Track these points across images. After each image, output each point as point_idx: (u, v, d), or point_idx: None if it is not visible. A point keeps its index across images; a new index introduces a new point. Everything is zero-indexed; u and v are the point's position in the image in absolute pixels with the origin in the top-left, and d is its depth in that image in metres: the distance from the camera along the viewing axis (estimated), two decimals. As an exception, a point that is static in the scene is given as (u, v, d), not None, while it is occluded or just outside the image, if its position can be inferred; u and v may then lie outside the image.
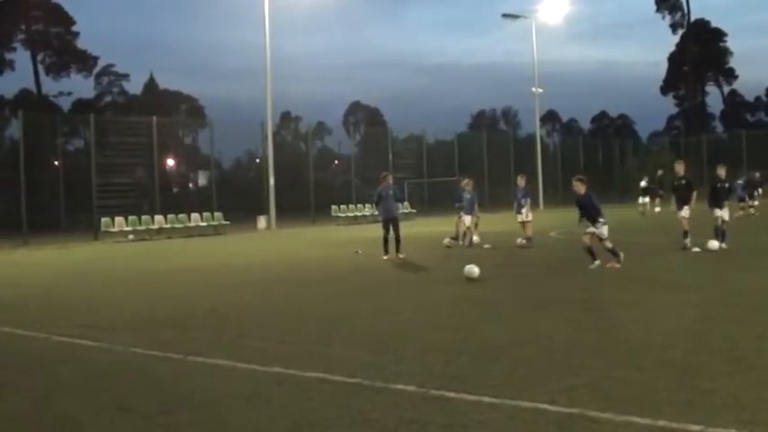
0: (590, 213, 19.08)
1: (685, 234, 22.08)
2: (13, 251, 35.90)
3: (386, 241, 23.64)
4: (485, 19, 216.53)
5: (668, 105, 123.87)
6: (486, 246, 26.46)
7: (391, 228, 23.55)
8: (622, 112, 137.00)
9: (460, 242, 27.21)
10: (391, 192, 24.22)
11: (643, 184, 48.75)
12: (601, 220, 18.87)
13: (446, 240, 27.70)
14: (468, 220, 27.30)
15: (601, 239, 18.83)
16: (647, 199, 47.97)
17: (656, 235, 28.16)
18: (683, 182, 22.45)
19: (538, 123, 76.21)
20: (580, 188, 19.57)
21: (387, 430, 6.79)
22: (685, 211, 22.05)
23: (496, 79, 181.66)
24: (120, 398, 8.35)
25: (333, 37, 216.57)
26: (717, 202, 22.27)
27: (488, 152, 70.29)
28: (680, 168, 22.92)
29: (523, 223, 26.96)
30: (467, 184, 28.29)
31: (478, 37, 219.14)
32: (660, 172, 51.69)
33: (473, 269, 17.29)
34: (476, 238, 27.33)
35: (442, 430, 6.69)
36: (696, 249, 21.59)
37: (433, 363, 9.21)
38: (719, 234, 21.97)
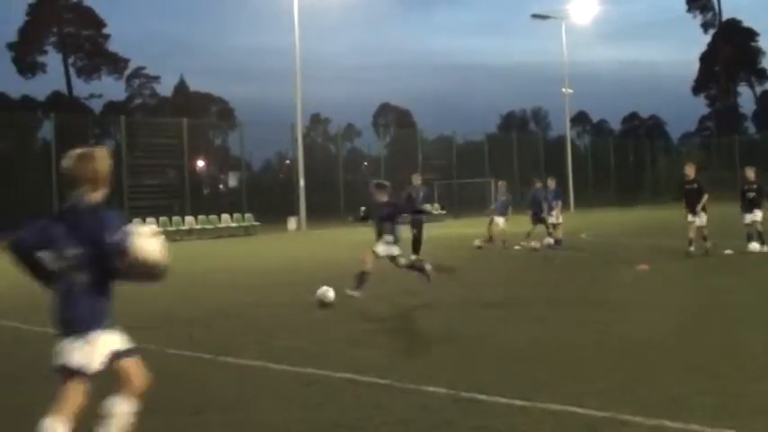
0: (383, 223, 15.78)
1: (690, 242, 21.24)
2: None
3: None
4: (514, 19, 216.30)
5: (700, 106, 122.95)
6: (517, 247, 26.37)
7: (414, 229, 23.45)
8: (653, 113, 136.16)
9: (496, 243, 26.98)
10: (421, 193, 24.13)
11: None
12: (389, 237, 15.88)
13: (477, 242, 27.54)
14: (501, 221, 27.24)
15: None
16: None
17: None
18: (695, 186, 21.64)
19: (568, 124, 75.88)
20: (380, 196, 16.29)
21: (419, 431, 6.79)
22: (700, 219, 21.19)
23: (526, 80, 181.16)
24: (152, 398, 8.37)
25: (362, 38, 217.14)
26: (745, 205, 22.01)
27: (518, 153, 70.10)
28: (690, 171, 21.89)
29: (553, 225, 26.86)
30: (501, 185, 28.28)
31: (508, 37, 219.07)
32: None
33: (327, 293, 15.02)
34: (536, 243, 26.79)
35: (473, 432, 6.70)
36: (729, 252, 21.43)
37: (463, 364, 9.21)
38: (757, 237, 21.73)
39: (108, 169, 5.95)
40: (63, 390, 5.89)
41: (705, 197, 21.32)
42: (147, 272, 6.09)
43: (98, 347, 6.00)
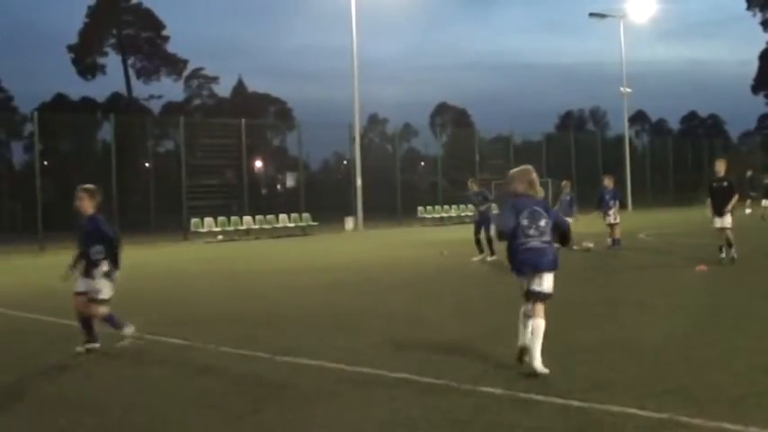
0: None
1: (720, 248, 19.49)
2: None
3: (477, 242, 23.64)
4: (572, 18, 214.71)
5: (759, 105, 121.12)
6: (575, 247, 26.17)
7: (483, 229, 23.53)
8: (712, 112, 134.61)
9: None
10: (479, 197, 24.21)
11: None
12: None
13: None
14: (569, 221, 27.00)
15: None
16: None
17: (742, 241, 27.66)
18: (724, 184, 19.46)
19: (626, 124, 75.23)
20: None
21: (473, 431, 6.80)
22: (725, 221, 19.18)
23: (584, 79, 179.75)
24: (211, 397, 8.46)
25: (419, 38, 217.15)
26: None
27: (576, 153, 69.70)
28: (721, 167, 19.83)
29: (611, 225, 26.58)
30: (565, 185, 28.06)
31: (566, 36, 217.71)
32: (750, 173, 50.78)
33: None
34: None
35: (530, 433, 6.68)
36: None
37: (517, 365, 9.17)
38: None
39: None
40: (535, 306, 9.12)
41: (735, 198, 19.37)
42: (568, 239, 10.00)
43: (548, 281, 9.12)
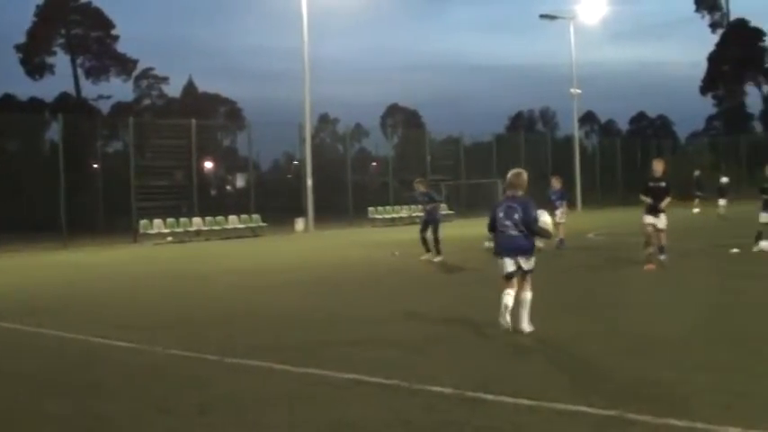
0: None
1: (645, 244, 19.27)
2: (52, 253, 36.21)
3: (423, 240, 23.76)
4: (523, 19, 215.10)
5: (707, 106, 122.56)
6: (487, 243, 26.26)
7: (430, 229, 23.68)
8: (661, 113, 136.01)
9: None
10: (426, 197, 24.31)
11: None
12: None
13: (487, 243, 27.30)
14: None
15: None
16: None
17: (693, 238, 27.95)
18: (661, 184, 19.27)
19: (576, 124, 75.74)
20: None
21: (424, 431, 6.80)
22: (659, 221, 18.92)
23: (534, 80, 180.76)
24: (159, 399, 8.40)
25: (371, 39, 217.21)
26: (765, 204, 21.64)
27: (526, 153, 70.03)
28: (658, 167, 19.56)
29: (557, 225, 26.71)
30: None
31: (516, 37, 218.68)
32: (697, 173, 51.51)
33: None
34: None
35: (479, 432, 6.69)
36: (735, 250, 21.40)
37: (468, 364, 9.21)
38: (759, 236, 21.62)
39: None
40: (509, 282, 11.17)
41: (668, 198, 19.15)
42: (544, 233, 11.67)
43: (521, 262, 11.23)
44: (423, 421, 7.05)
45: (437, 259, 23.02)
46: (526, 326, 11.04)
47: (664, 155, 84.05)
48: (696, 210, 46.43)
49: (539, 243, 24.90)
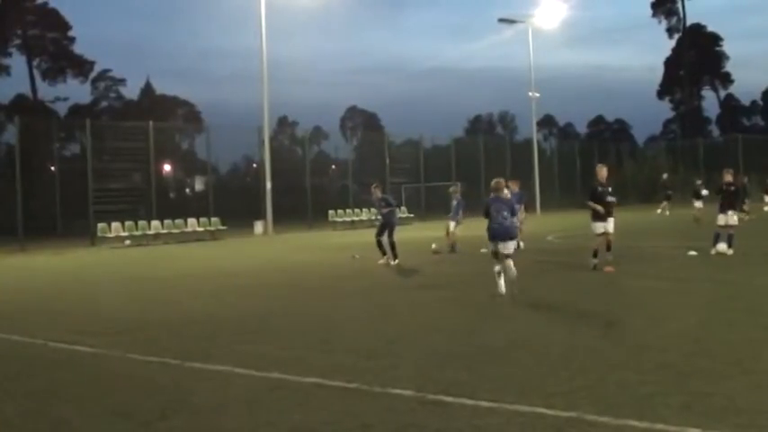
0: None
1: (595, 253, 19.32)
2: (9, 257, 35.86)
3: (379, 244, 23.92)
4: (481, 23, 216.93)
5: (665, 110, 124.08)
6: (483, 250, 26.35)
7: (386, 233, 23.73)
8: (619, 117, 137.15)
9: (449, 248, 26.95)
10: (382, 202, 24.46)
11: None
12: None
13: (434, 246, 27.42)
14: (452, 225, 27.30)
15: None
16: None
17: (662, 238, 28.17)
18: (609, 189, 19.51)
19: (534, 128, 76.14)
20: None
21: (382, 435, 6.80)
22: (608, 226, 19.20)
23: (493, 84, 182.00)
24: (118, 404, 8.34)
25: (330, 41, 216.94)
26: (722, 206, 21.85)
27: (485, 157, 70.28)
28: (603, 173, 19.93)
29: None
30: (454, 191, 28.34)
31: (475, 41, 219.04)
32: (665, 176, 52.40)
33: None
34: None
35: (440, 435, 6.70)
36: (693, 253, 21.59)
37: (429, 367, 9.21)
38: (716, 238, 21.82)
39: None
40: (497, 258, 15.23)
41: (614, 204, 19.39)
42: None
43: (509, 246, 15.33)
44: (383, 424, 7.05)
45: (393, 263, 23.06)
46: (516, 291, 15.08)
47: (622, 158, 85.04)
48: (659, 211, 46.93)
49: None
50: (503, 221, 15.32)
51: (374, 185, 25.34)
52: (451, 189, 28.81)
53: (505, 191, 17.82)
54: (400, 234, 24.19)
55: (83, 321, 14.62)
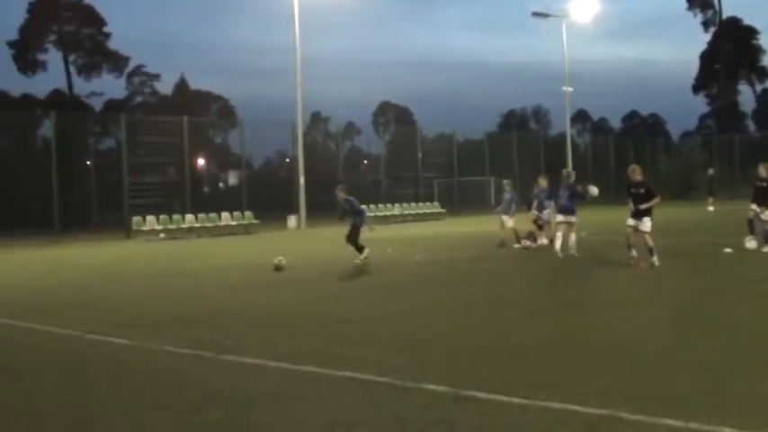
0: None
1: (629, 247, 19.47)
2: (46, 249, 36.16)
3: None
4: (515, 17, 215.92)
5: (700, 104, 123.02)
6: (517, 245, 26.26)
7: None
8: (653, 111, 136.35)
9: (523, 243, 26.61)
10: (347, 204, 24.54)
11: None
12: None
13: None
14: (507, 220, 27.12)
15: None
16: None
17: (690, 236, 27.98)
18: (641, 190, 19.37)
19: (568, 122, 75.81)
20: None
21: (416, 430, 6.79)
22: (642, 225, 19.12)
23: (527, 78, 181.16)
24: (152, 396, 8.41)
25: (363, 36, 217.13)
26: (755, 200, 21.64)
27: (519, 152, 70.03)
28: (635, 174, 19.75)
29: (542, 225, 26.62)
30: (506, 184, 28.30)
31: (508, 35, 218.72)
32: (711, 171, 51.97)
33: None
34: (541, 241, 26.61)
35: (472, 431, 6.69)
36: (728, 250, 21.42)
37: (462, 363, 9.22)
38: (754, 233, 21.63)
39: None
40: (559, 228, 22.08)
41: (655, 200, 19.22)
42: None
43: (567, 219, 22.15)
44: (416, 419, 7.05)
45: (362, 258, 23.13)
46: (575, 252, 21.49)
47: (657, 153, 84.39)
48: (711, 208, 46.36)
49: (529, 242, 25.14)
50: (565, 201, 22.22)
51: (338, 188, 25.38)
52: (504, 182, 28.79)
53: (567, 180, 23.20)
54: (433, 228, 24.17)
55: (118, 314, 14.73)
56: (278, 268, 21.40)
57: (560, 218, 22.68)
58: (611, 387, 7.85)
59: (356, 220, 23.89)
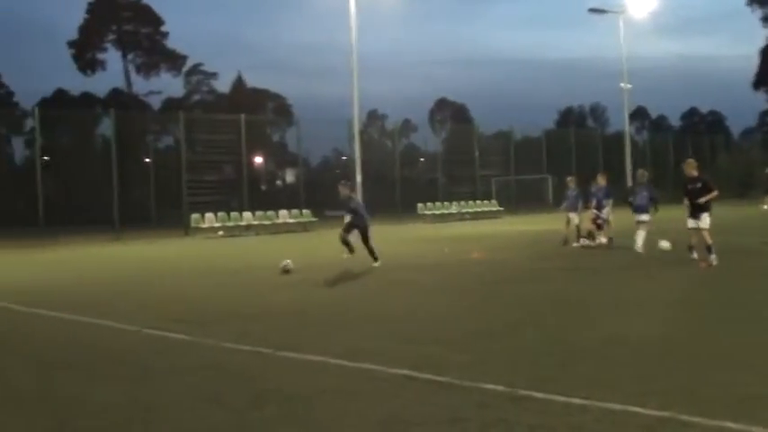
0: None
1: (690, 248, 19.70)
2: (105, 246, 36.59)
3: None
4: (571, 13, 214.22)
5: (760, 101, 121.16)
6: (576, 244, 26.10)
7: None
8: (713, 108, 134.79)
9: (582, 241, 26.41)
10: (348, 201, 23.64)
11: None
12: None
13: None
14: (574, 218, 26.97)
15: None
16: None
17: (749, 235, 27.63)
18: (698, 185, 19.23)
19: (627, 120, 75.06)
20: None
21: (474, 429, 6.76)
22: (700, 222, 18.98)
23: (584, 75, 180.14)
24: (210, 392, 8.45)
25: (419, 33, 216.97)
26: None
27: (576, 149, 69.60)
28: (691, 169, 19.58)
29: (601, 224, 26.37)
30: (571, 181, 28.17)
31: (566, 32, 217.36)
32: None
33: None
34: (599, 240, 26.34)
35: (530, 431, 6.65)
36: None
37: (521, 362, 9.17)
38: None
39: None
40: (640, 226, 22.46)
41: (711, 195, 18.98)
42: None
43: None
44: (474, 419, 7.02)
45: (376, 264, 22.15)
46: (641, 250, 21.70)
47: (717, 151, 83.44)
48: (766, 207, 45.67)
49: (587, 241, 24.95)
50: (643, 201, 22.54)
51: (341, 183, 24.56)
52: (569, 179, 28.64)
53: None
54: (490, 227, 24.07)
55: (176, 310, 14.86)
56: (285, 271, 20.93)
57: (644, 217, 22.55)
58: (672, 388, 7.75)
59: (356, 220, 22.97)
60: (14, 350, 11.69)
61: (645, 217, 22.25)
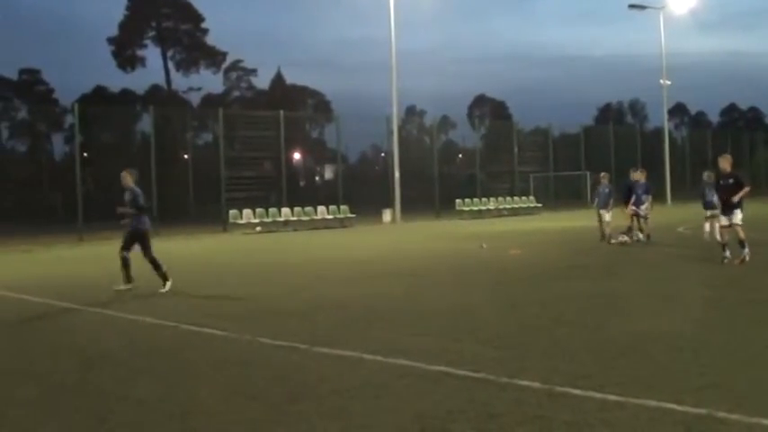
0: None
1: (723, 247, 19.08)
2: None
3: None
4: (610, 9, 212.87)
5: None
6: (614, 241, 25.97)
7: None
8: (753, 105, 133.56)
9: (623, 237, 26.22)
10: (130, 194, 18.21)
11: None
12: None
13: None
14: (606, 215, 26.80)
15: None
16: None
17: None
18: (730, 181, 18.86)
19: (666, 116, 74.67)
20: None
21: (510, 426, 6.76)
22: (732, 218, 18.59)
23: (623, 71, 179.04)
24: (248, 386, 8.51)
25: (457, 30, 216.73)
26: None
27: (615, 146, 69.21)
28: (725, 164, 19.17)
29: (643, 218, 26.21)
30: (603, 177, 28.03)
31: (604, 28, 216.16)
32: None
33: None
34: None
35: (567, 427, 6.63)
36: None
37: (557, 359, 9.15)
38: None
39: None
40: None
41: (743, 191, 18.61)
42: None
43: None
44: (510, 415, 7.02)
45: (164, 288, 17.11)
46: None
47: (756, 148, 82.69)
48: None
49: (624, 237, 24.84)
50: (712, 198, 22.54)
51: (125, 171, 18.65)
52: (601, 175, 28.50)
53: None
54: (529, 223, 24.03)
55: (214, 305, 14.97)
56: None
57: (714, 212, 22.44)
58: (709, 386, 7.72)
59: (139, 225, 17.98)
60: (56, 346, 11.80)
61: (714, 212, 22.29)
